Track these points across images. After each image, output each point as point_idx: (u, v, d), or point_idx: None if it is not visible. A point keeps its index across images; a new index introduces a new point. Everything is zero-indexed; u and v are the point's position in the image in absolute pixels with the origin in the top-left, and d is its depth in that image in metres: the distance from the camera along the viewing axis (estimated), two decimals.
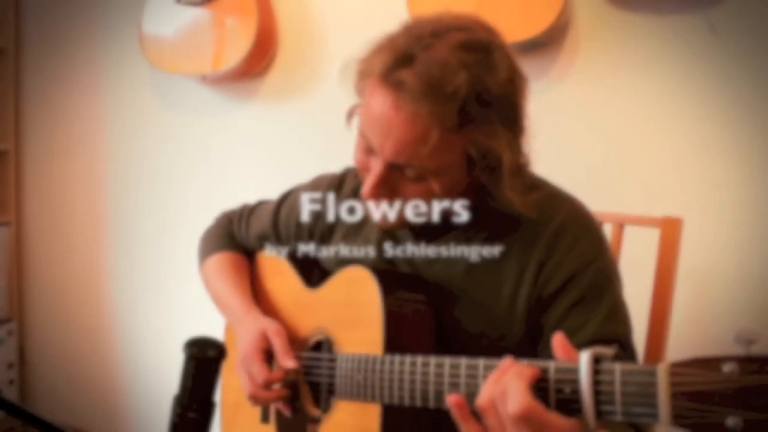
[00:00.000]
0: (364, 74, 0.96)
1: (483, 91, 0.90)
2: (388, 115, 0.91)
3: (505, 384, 0.75)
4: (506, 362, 0.79)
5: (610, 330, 0.97)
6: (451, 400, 0.80)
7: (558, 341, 0.78)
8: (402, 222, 1.01)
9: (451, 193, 0.99)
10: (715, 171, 1.64)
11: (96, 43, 2.61)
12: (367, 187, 0.97)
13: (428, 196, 0.98)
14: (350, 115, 1.03)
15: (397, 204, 0.99)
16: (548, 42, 1.78)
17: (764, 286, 1.60)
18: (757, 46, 1.59)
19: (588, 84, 1.78)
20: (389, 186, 0.96)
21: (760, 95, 1.59)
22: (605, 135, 1.77)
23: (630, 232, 1.40)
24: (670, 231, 1.31)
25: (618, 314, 1.00)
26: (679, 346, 1.47)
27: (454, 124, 0.89)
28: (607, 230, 1.40)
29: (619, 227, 1.39)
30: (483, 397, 0.77)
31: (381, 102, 0.92)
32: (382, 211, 1.00)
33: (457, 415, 0.80)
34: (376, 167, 0.95)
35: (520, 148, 0.97)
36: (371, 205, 1.01)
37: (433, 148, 0.90)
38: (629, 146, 1.74)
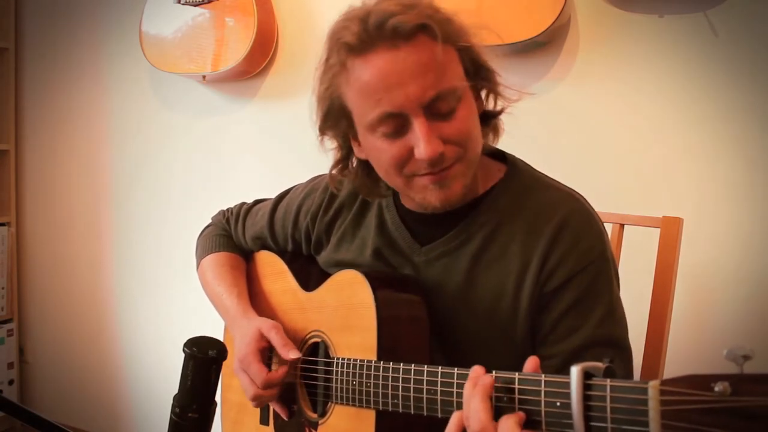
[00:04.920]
0: (342, 63, 0.94)
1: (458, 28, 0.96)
2: (398, 60, 0.90)
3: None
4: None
5: (605, 332, 0.97)
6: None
7: (531, 366, 0.80)
8: (456, 196, 0.98)
9: (476, 127, 0.98)
10: (715, 171, 1.64)
11: (96, 43, 2.61)
12: (425, 144, 0.91)
13: (470, 127, 0.96)
14: (325, 133, 1.04)
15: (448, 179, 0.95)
16: (548, 42, 1.78)
17: (764, 285, 1.60)
18: (757, 46, 1.59)
19: (588, 84, 1.78)
20: (437, 138, 0.92)
21: (759, 95, 1.59)
22: (605, 135, 1.77)
23: (630, 232, 1.40)
24: (670, 231, 1.31)
25: (614, 315, 0.99)
26: (679, 345, 1.47)
27: (444, 31, 0.92)
28: (608, 230, 1.40)
29: (619, 227, 1.39)
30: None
31: (377, 57, 0.91)
32: (440, 191, 0.96)
33: None
34: (420, 124, 0.91)
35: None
36: (431, 188, 0.96)
37: (445, 57, 0.92)
38: (629, 146, 1.74)
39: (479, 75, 0.98)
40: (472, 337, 1.03)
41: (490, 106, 1.03)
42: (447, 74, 0.92)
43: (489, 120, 1.03)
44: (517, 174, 1.06)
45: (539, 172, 1.09)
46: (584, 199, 1.06)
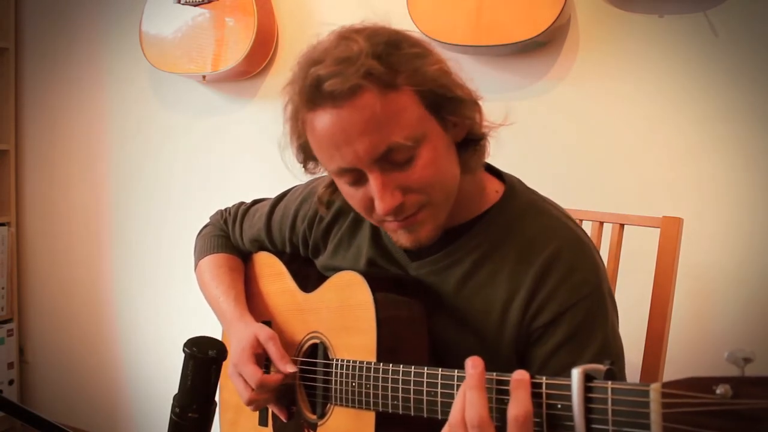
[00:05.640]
0: (297, 113, 0.93)
1: (393, 53, 0.88)
2: (342, 119, 0.87)
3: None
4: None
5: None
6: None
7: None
8: (428, 238, 0.96)
9: (449, 163, 0.94)
10: (715, 171, 1.64)
11: (96, 43, 2.61)
12: (379, 201, 0.90)
13: (433, 172, 0.91)
14: (306, 168, 1.02)
15: (414, 225, 0.94)
16: (548, 42, 1.78)
17: (764, 285, 1.60)
18: (757, 46, 1.59)
19: (588, 84, 1.78)
20: (397, 189, 0.90)
21: (759, 95, 1.59)
22: (605, 135, 1.77)
23: (630, 232, 1.40)
24: (670, 231, 1.31)
25: (609, 350, 0.96)
26: (679, 346, 1.47)
27: (391, 79, 0.86)
28: (607, 230, 1.40)
29: (619, 227, 1.39)
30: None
31: (324, 115, 0.88)
32: (404, 235, 0.96)
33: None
34: (374, 179, 0.89)
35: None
36: (400, 232, 0.96)
37: (392, 108, 0.87)
38: (629, 146, 1.74)
39: (447, 110, 0.92)
40: (458, 353, 1.01)
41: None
42: (398, 125, 0.87)
43: (468, 146, 0.97)
44: (513, 197, 1.03)
45: (536, 195, 1.06)
46: (580, 228, 1.04)
